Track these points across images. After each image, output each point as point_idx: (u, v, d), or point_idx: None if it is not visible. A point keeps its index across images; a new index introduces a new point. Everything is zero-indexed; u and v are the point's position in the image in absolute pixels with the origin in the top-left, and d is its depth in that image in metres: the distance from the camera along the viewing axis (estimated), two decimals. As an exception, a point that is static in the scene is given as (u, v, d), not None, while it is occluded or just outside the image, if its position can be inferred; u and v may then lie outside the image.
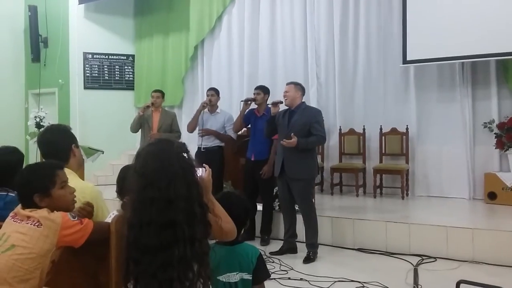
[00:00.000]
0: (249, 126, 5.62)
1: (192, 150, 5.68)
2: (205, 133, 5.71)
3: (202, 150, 5.70)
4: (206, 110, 5.84)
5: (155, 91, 6.42)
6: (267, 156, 5.32)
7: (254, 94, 5.50)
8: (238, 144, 5.81)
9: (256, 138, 5.41)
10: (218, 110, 5.84)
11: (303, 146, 4.62)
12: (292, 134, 4.58)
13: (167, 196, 1.65)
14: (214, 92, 5.85)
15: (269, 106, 5.01)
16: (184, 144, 1.82)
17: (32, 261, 1.83)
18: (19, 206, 2.01)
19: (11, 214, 1.98)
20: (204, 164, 1.88)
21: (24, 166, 2.92)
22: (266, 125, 4.99)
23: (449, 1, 6.14)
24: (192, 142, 5.96)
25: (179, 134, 6.23)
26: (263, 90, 5.48)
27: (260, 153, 5.36)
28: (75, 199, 2.09)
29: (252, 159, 5.40)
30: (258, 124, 5.41)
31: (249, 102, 5.47)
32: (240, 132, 5.86)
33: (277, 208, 5.49)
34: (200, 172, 1.84)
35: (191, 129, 5.88)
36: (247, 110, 5.49)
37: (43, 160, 2.47)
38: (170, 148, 1.75)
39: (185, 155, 1.76)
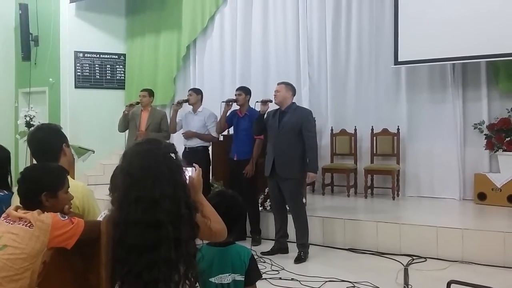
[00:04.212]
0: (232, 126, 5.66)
1: (180, 150, 5.73)
2: (187, 135, 5.74)
3: (187, 150, 5.74)
4: (190, 110, 5.89)
5: (143, 90, 6.42)
6: (249, 155, 5.34)
7: (235, 95, 5.57)
8: (231, 143, 5.80)
9: (239, 138, 5.46)
10: (200, 109, 5.84)
11: (315, 165, 4.85)
12: (309, 173, 4.75)
13: (152, 195, 1.62)
14: (192, 92, 5.88)
15: (258, 102, 5.05)
16: (172, 144, 1.80)
17: (23, 261, 1.82)
18: (11, 207, 2.00)
19: (3, 215, 1.97)
20: (194, 164, 1.87)
21: (10, 164, 2.91)
22: (254, 123, 5.01)
23: (440, 3, 6.17)
24: (180, 142, 5.97)
25: (168, 134, 6.19)
26: (244, 91, 5.55)
27: (242, 153, 5.38)
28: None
29: (235, 159, 5.44)
30: (240, 124, 5.47)
31: (230, 103, 5.52)
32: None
33: (269, 208, 5.49)
34: (189, 172, 1.81)
35: (172, 130, 5.95)
36: (229, 111, 5.53)
37: (33, 159, 2.46)
38: (157, 148, 1.72)
39: (172, 155, 1.73)
